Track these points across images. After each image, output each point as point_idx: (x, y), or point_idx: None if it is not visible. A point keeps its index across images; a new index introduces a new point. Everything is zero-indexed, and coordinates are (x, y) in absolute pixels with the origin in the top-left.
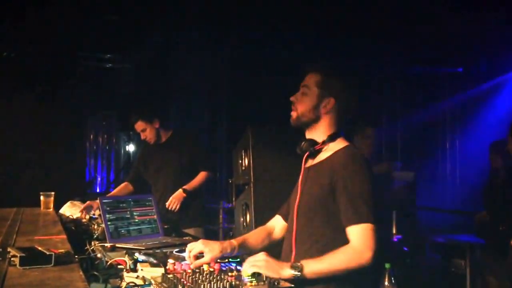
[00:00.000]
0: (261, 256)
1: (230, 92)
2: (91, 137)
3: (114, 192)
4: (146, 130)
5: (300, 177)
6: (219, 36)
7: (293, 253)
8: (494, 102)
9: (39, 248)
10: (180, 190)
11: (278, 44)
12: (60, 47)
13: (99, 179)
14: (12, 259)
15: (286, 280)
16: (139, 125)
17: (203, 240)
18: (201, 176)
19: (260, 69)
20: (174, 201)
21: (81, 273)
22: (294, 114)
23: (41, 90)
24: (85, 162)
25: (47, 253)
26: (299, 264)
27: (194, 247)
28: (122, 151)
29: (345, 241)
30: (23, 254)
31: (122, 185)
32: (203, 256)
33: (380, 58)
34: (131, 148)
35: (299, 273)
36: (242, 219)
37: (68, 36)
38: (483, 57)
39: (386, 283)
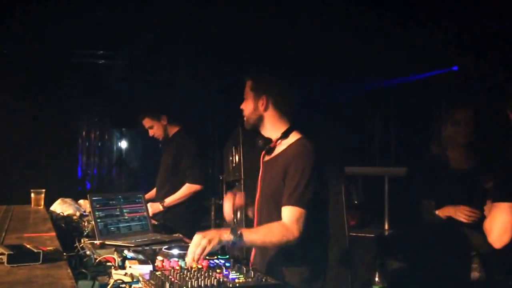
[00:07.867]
0: (198, 236)
1: (221, 88)
2: (83, 133)
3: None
4: (153, 127)
5: (260, 173)
6: (209, 32)
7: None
8: None
9: (27, 246)
10: (158, 204)
11: (267, 40)
12: (52, 44)
13: (90, 176)
14: (0, 257)
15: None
16: (146, 122)
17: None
18: (186, 189)
19: (249, 66)
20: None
21: (68, 270)
22: (244, 119)
23: (32, 86)
24: (77, 159)
25: (35, 250)
26: (238, 232)
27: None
28: (115, 148)
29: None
30: (11, 252)
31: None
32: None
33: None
34: (123, 144)
35: (237, 238)
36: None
37: (59, 32)
38: None
39: (377, 278)
